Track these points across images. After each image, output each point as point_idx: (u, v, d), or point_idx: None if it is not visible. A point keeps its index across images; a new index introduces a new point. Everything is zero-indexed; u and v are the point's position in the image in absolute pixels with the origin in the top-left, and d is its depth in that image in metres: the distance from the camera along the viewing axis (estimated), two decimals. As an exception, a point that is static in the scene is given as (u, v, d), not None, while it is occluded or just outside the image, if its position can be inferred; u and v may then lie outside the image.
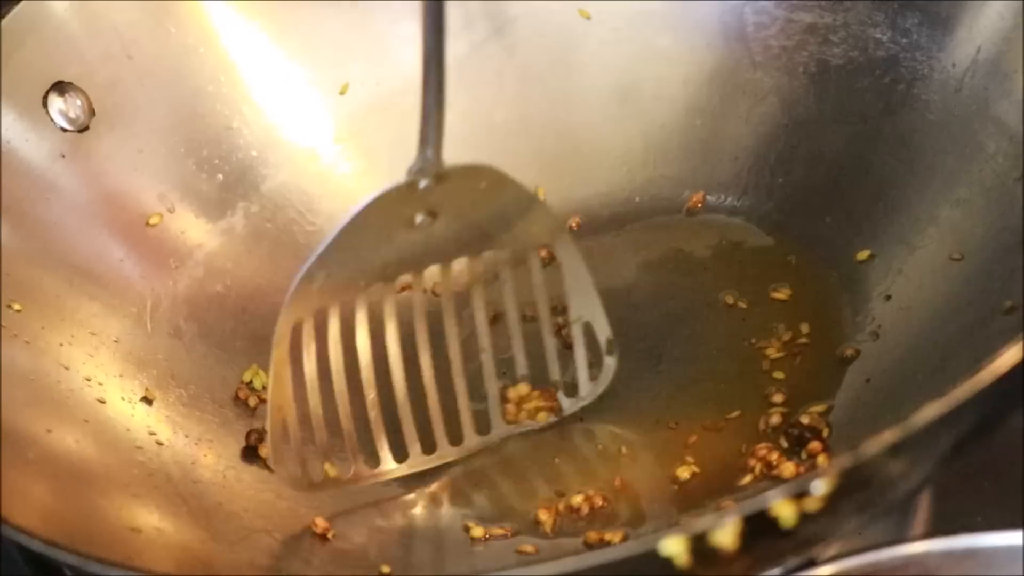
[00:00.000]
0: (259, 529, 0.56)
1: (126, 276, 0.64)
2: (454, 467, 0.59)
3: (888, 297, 0.61)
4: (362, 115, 0.69)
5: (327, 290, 0.56)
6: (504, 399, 0.60)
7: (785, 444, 0.57)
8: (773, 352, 0.61)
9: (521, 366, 0.60)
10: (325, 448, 0.57)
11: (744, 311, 0.63)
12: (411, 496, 0.59)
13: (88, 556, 0.47)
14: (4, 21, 0.63)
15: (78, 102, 0.64)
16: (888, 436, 0.43)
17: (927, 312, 0.59)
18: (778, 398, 0.59)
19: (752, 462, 0.56)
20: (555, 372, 0.60)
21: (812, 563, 0.48)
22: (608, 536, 0.55)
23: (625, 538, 0.55)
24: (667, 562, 0.42)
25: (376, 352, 0.58)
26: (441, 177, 0.55)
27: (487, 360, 0.59)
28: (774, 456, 0.56)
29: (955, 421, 0.44)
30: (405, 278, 0.58)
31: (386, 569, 0.54)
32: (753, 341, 0.62)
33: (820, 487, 0.42)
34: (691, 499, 0.56)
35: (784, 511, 0.42)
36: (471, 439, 0.59)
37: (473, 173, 0.56)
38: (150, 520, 0.55)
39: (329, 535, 0.56)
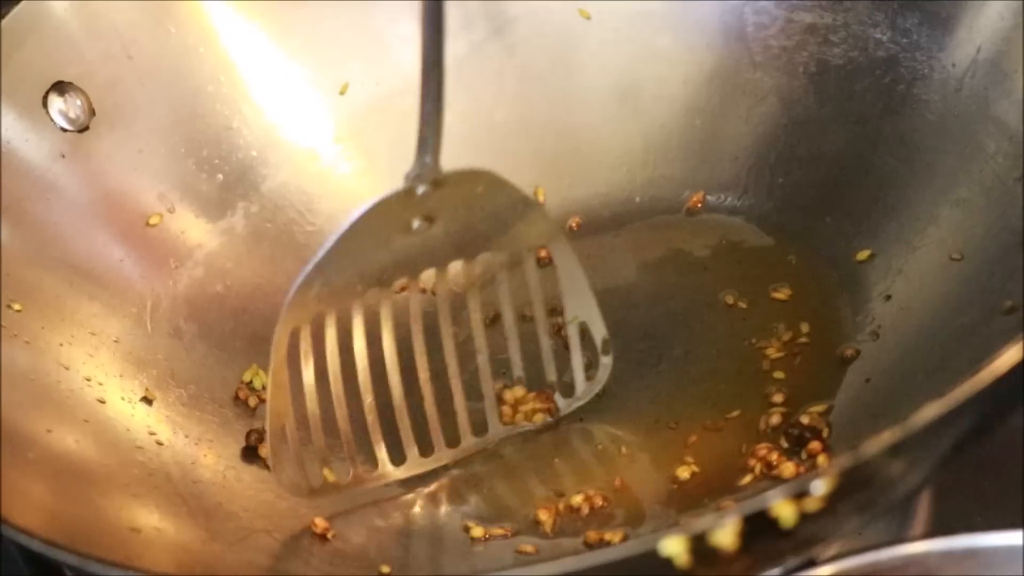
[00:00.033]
0: (259, 529, 0.56)
1: (126, 276, 0.64)
2: (454, 468, 0.59)
3: (888, 297, 0.61)
4: (362, 115, 0.69)
5: (324, 296, 0.56)
6: (501, 401, 0.60)
7: (785, 444, 0.57)
8: (773, 352, 0.61)
9: (517, 368, 0.60)
10: (324, 453, 0.57)
11: (744, 311, 0.63)
12: (410, 496, 0.59)
13: (88, 556, 0.47)
14: (4, 21, 0.63)
15: (78, 102, 0.64)
16: (888, 436, 0.43)
17: (927, 312, 0.59)
18: (778, 398, 0.59)
19: (752, 462, 0.56)
20: (551, 373, 0.60)
21: (812, 563, 0.48)
22: (608, 536, 0.55)
23: (625, 538, 0.55)
24: (667, 562, 0.42)
25: (373, 356, 0.57)
26: (439, 182, 0.55)
27: (483, 362, 0.60)
28: (774, 456, 0.56)
29: (955, 421, 0.44)
30: (402, 281, 0.58)
31: (386, 569, 0.54)
32: (753, 341, 0.62)
33: (820, 487, 0.42)
34: (691, 499, 0.56)
35: (784, 511, 0.42)
36: (468, 441, 0.59)
37: (471, 178, 0.56)
38: (150, 520, 0.55)
39: (329, 535, 0.56)
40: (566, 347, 0.61)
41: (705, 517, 0.42)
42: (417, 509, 0.58)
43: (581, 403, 0.60)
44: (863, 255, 0.62)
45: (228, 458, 0.60)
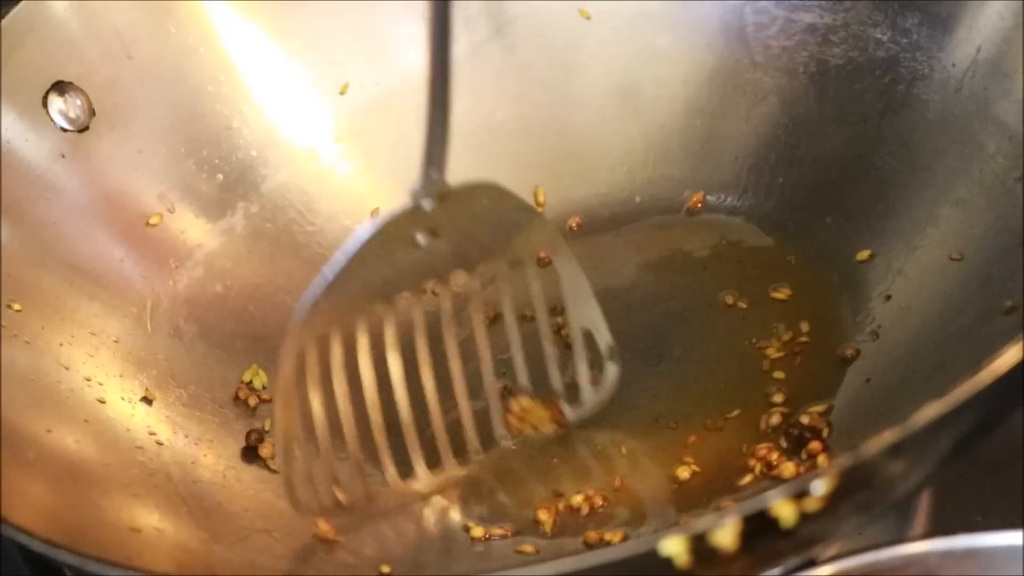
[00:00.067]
0: (259, 529, 0.56)
1: (126, 276, 0.64)
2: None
3: (888, 297, 0.61)
4: (362, 115, 0.69)
5: (330, 315, 0.55)
6: (507, 411, 0.60)
7: (785, 444, 0.57)
8: (773, 352, 0.61)
9: (523, 377, 0.60)
10: (334, 473, 0.57)
11: (744, 311, 0.63)
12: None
13: (88, 556, 0.47)
14: (4, 21, 0.63)
15: (78, 102, 0.64)
16: (888, 436, 0.43)
17: (927, 312, 0.59)
18: (778, 398, 0.59)
19: (752, 462, 0.56)
20: (557, 382, 0.60)
21: (812, 563, 0.48)
22: (608, 536, 0.55)
23: (625, 538, 0.55)
24: (667, 562, 0.42)
25: (380, 372, 0.57)
26: (444, 196, 0.55)
27: (488, 372, 0.59)
28: (774, 456, 0.56)
29: (955, 421, 0.44)
30: (406, 295, 0.57)
31: (386, 569, 0.54)
32: (753, 341, 0.62)
33: (820, 487, 0.42)
34: (691, 499, 0.56)
35: (784, 511, 0.42)
36: (477, 455, 0.59)
37: (475, 190, 0.56)
38: (150, 520, 0.55)
39: (330, 536, 0.56)
40: (571, 355, 0.60)
41: (705, 517, 0.42)
42: (417, 509, 0.58)
43: (588, 412, 0.60)
44: (863, 255, 0.62)
45: (228, 458, 0.60)
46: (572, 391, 0.60)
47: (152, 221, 0.65)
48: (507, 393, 0.60)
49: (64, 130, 0.64)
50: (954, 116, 0.62)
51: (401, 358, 0.57)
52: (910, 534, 0.55)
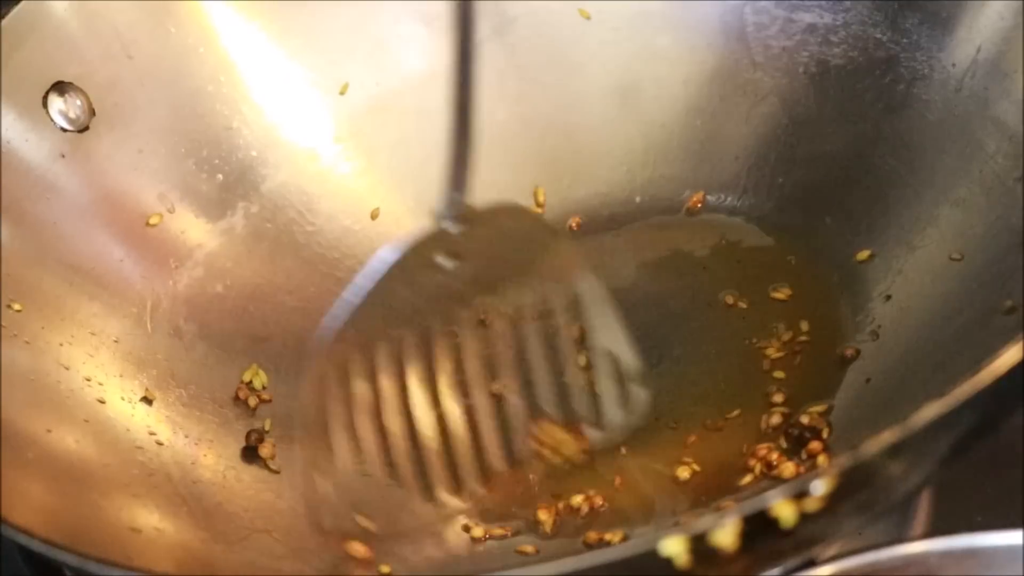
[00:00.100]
0: (259, 529, 0.56)
1: (126, 276, 0.64)
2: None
3: (888, 297, 0.61)
4: (362, 115, 0.69)
5: (352, 339, 0.55)
6: (532, 437, 0.59)
7: (785, 444, 0.57)
8: (773, 352, 0.61)
9: (548, 403, 0.59)
10: (358, 499, 0.56)
11: (744, 311, 0.63)
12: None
13: (88, 556, 0.47)
14: (4, 21, 0.63)
15: (78, 102, 0.64)
16: (888, 436, 0.43)
17: (927, 312, 0.59)
18: (778, 398, 0.59)
19: (752, 462, 0.56)
20: (582, 407, 0.59)
21: (812, 563, 0.48)
22: (608, 536, 0.55)
23: (625, 538, 0.55)
24: (667, 562, 0.42)
25: (402, 398, 0.57)
26: (467, 218, 0.55)
27: (514, 396, 0.58)
28: (774, 456, 0.56)
29: (955, 421, 0.44)
30: (428, 321, 0.57)
31: (386, 569, 0.54)
32: (753, 341, 0.62)
33: (820, 487, 0.42)
34: (691, 499, 0.56)
35: (784, 511, 0.42)
36: (501, 477, 0.58)
37: (499, 212, 0.56)
38: (150, 520, 0.55)
39: (367, 557, 0.56)
40: (594, 379, 0.59)
41: (705, 517, 0.42)
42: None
43: (616, 436, 0.59)
44: (863, 255, 0.62)
45: (228, 458, 0.60)
46: (598, 416, 0.59)
47: (152, 221, 0.65)
48: (531, 417, 0.59)
49: (64, 130, 0.64)
50: (954, 116, 0.62)
51: (423, 383, 0.57)
52: (910, 534, 0.55)
